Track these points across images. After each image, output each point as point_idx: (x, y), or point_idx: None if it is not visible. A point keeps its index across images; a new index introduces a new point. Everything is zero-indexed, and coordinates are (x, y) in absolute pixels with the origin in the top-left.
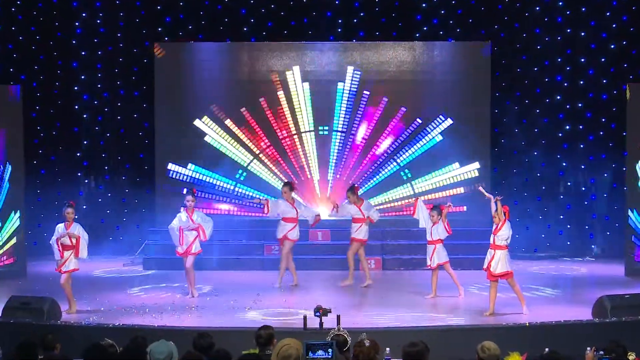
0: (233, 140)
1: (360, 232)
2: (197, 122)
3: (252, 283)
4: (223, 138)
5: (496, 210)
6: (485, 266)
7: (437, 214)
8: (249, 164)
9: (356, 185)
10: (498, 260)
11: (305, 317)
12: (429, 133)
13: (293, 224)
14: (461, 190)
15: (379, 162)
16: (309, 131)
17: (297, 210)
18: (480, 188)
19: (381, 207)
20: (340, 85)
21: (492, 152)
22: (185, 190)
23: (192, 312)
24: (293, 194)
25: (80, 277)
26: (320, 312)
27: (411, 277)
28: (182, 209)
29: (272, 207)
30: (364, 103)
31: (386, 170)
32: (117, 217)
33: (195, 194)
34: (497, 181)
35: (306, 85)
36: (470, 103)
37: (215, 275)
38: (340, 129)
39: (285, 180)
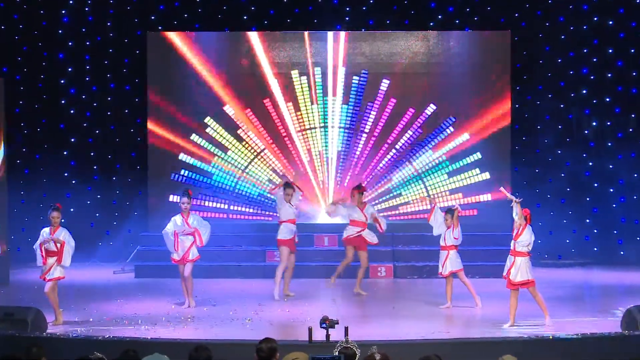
0: (233, 138)
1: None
2: (193, 118)
3: (253, 292)
4: (222, 135)
5: (516, 213)
6: (504, 274)
7: (452, 218)
8: (249, 163)
9: (363, 185)
10: (518, 268)
11: (310, 329)
12: (444, 130)
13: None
14: (479, 195)
15: (389, 161)
16: (314, 128)
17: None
18: (502, 189)
19: (392, 209)
20: (347, 78)
21: (512, 150)
22: (180, 193)
23: (188, 324)
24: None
25: (67, 286)
26: (327, 323)
27: (425, 286)
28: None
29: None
30: (374, 97)
31: (397, 169)
32: (107, 221)
33: (191, 196)
34: (517, 182)
35: (311, 78)
36: (488, 98)
37: (213, 284)
38: (347, 126)
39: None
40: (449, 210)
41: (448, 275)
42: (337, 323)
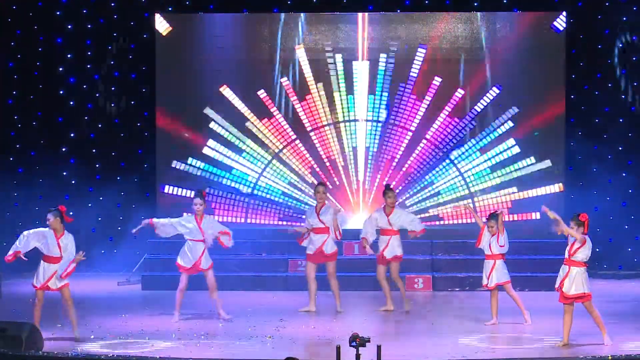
0: (251, 132)
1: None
2: (207, 111)
3: (274, 306)
4: (239, 130)
5: (569, 232)
6: (557, 286)
7: (496, 223)
8: (270, 161)
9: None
10: (573, 279)
11: (338, 348)
12: (490, 123)
13: (325, 235)
14: (528, 193)
15: (427, 159)
16: (343, 121)
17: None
18: (544, 208)
19: (431, 213)
20: (381, 65)
21: (567, 146)
22: (192, 193)
23: (201, 341)
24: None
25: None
26: (357, 341)
27: (467, 299)
28: (185, 214)
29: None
30: (411, 87)
31: (437, 168)
32: (111, 225)
33: (206, 197)
34: (572, 182)
35: (340, 65)
36: (540, 87)
37: (229, 297)
38: (380, 118)
39: (318, 181)
40: (492, 216)
41: (494, 287)
42: (369, 341)
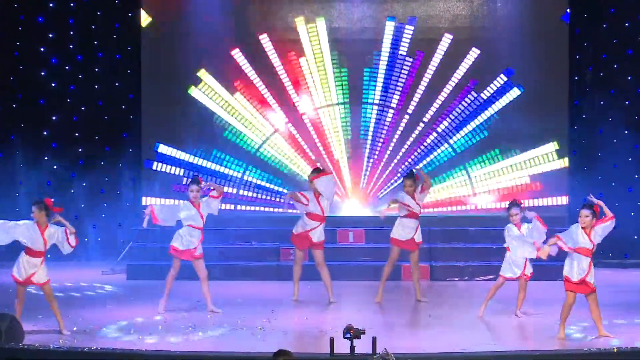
0: (241, 116)
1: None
2: (194, 93)
3: (265, 296)
4: (228, 113)
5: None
6: (580, 278)
7: (520, 211)
8: (261, 146)
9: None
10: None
11: (332, 340)
12: (491, 106)
13: (318, 222)
14: (531, 178)
15: (426, 144)
16: (337, 104)
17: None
18: (592, 197)
19: (429, 200)
20: (376, 45)
21: (570, 130)
22: (180, 171)
23: (189, 333)
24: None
25: None
26: (351, 333)
27: (467, 290)
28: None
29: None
30: (407, 68)
31: (435, 153)
32: (94, 212)
33: (202, 184)
34: (576, 166)
35: (333, 45)
36: (543, 68)
37: (218, 287)
38: (376, 101)
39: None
40: (512, 204)
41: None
42: (364, 333)
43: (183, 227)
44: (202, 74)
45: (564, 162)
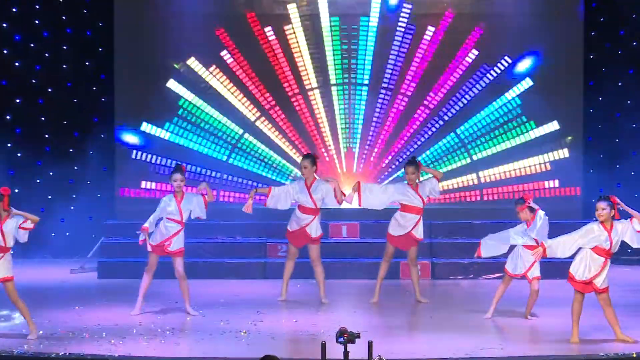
0: (223, 98)
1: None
2: (175, 72)
3: (251, 297)
4: (209, 95)
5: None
6: (585, 279)
7: (530, 211)
8: (245, 131)
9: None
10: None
11: (323, 345)
12: (495, 90)
13: (312, 215)
14: (541, 166)
15: (427, 128)
16: (330, 85)
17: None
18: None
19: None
20: (373, 20)
21: (585, 114)
22: (158, 159)
23: (166, 337)
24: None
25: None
26: (345, 337)
27: (472, 289)
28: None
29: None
30: (407, 46)
31: (438, 138)
32: (62, 204)
33: (185, 172)
34: (592, 154)
35: (326, 20)
36: (555, 45)
37: (199, 286)
38: (372, 82)
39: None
40: (519, 201)
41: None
42: (358, 337)
43: (162, 220)
44: (184, 52)
45: (578, 150)
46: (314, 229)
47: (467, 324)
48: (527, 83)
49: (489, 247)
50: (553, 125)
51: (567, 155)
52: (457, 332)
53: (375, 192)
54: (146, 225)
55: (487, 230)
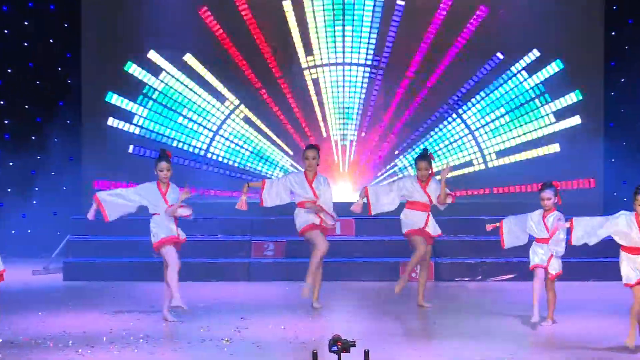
0: (203, 79)
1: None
2: (151, 54)
3: (233, 301)
4: (187, 75)
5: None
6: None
7: (554, 194)
8: (228, 116)
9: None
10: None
11: (315, 354)
12: (509, 69)
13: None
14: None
15: (430, 115)
16: (321, 65)
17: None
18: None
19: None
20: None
21: (606, 97)
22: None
23: (140, 346)
24: None
25: None
26: (339, 345)
27: (479, 292)
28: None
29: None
30: (409, 27)
31: (441, 126)
32: (24, 198)
33: (171, 159)
34: (613, 143)
35: None
36: (571, 20)
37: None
38: (368, 62)
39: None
40: (546, 185)
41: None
42: (354, 345)
43: (152, 218)
44: (161, 27)
45: (598, 137)
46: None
47: (473, 331)
48: (540, 63)
49: (512, 235)
50: (570, 111)
51: (585, 143)
52: (462, 339)
53: (381, 195)
54: (100, 195)
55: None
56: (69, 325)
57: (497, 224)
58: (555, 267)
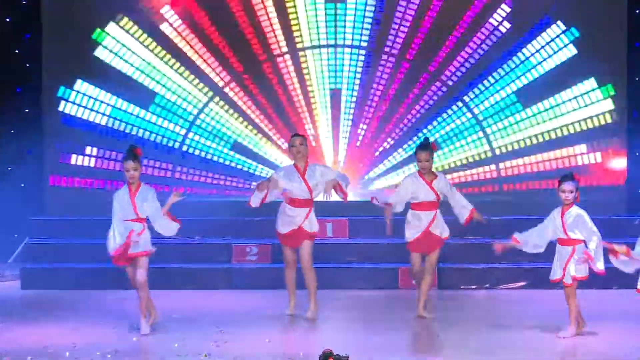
0: (178, 64)
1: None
2: (112, 29)
3: (212, 311)
4: (162, 59)
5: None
6: None
7: (576, 188)
8: (206, 105)
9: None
10: None
11: None
12: (520, 50)
13: (307, 208)
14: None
15: (432, 102)
16: (311, 47)
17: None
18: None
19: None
20: None
21: (630, 81)
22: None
23: None
24: None
25: None
26: None
27: (489, 302)
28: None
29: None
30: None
31: (445, 113)
32: None
33: (141, 157)
34: (638, 133)
35: None
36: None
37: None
38: (363, 44)
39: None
40: (566, 177)
41: (572, 285)
42: None
43: (114, 223)
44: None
45: (621, 126)
46: (312, 224)
47: (482, 346)
48: (557, 44)
49: (529, 246)
50: (590, 98)
51: (607, 135)
52: (469, 355)
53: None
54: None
55: (505, 229)
56: (27, 339)
57: (509, 244)
58: (572, 272)
